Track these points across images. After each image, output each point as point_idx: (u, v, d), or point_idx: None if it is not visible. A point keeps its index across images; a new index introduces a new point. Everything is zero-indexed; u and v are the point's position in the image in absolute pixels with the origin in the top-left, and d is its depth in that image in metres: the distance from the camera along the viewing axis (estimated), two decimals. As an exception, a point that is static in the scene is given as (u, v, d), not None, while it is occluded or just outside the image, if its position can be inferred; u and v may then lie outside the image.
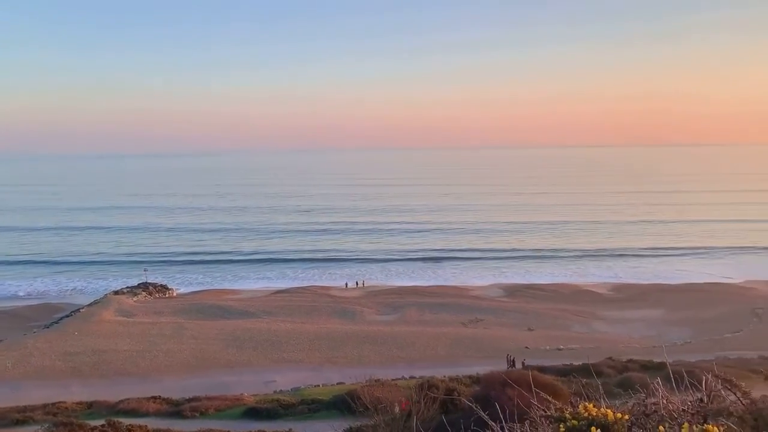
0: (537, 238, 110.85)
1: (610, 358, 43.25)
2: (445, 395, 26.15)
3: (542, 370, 37.82)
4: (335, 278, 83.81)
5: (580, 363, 42.04)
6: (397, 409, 26.45)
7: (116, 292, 75.80)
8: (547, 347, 52.22)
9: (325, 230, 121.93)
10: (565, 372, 34.69)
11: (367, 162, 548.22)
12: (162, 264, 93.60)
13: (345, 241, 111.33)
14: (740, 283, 76.69)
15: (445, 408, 24.81)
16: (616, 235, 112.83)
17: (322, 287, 78.60)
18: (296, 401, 35.08)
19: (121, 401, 35.96)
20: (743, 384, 3.18)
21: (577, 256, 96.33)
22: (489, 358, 45.55)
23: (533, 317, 62.62)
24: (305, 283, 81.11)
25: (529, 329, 58.60)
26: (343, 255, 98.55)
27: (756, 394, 3.49)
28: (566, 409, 2.95)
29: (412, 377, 41.47)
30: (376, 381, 37.13)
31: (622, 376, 32.55)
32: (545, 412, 3.07)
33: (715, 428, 2.56)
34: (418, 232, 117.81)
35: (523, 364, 44.84)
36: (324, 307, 67.60)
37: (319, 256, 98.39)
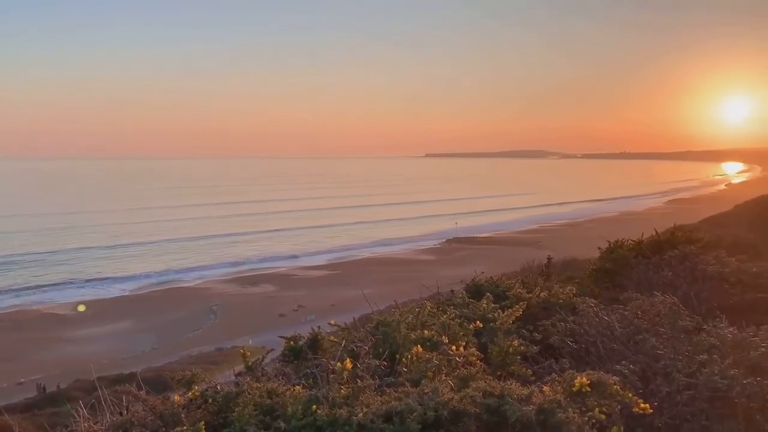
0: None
1: (77, 380, 41.60)
2: None
3: None
4: None
5: (46, 392, 39.33)
6: None
7: None
8: (5, 384, 46.69)
9: None
10: (28, 407, 31.90)
11: None
12: None
13: None
14: (197, 284, 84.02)
15: None
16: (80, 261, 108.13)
17: None
18: None
19: None
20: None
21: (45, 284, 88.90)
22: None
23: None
24: None
25: (-20, 369, 51.31)
26: None
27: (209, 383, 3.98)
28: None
29: None
30: None
31: (91, 397, 31.69)
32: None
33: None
34: None
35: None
36: None
37: None
